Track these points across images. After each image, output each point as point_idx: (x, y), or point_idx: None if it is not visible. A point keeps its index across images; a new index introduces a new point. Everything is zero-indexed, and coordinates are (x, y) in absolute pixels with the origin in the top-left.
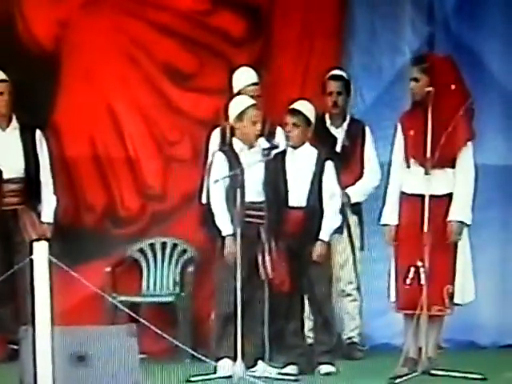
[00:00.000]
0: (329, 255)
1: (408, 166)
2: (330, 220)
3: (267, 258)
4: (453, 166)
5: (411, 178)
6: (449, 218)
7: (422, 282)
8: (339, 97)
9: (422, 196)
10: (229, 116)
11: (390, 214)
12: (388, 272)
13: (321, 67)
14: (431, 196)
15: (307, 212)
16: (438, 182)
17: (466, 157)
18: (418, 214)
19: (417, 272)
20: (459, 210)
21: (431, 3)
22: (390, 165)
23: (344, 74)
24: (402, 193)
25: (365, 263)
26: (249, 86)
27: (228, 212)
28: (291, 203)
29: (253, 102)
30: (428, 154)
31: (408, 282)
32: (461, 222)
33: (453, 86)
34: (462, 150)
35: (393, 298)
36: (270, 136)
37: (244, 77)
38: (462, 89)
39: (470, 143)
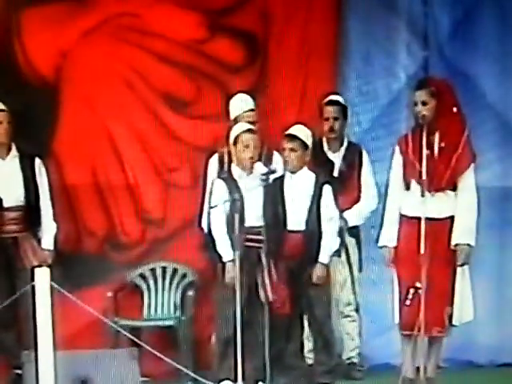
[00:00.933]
0: (328, 277)
1: (408, 188)
2: (329, 243)
3: (267, 281)
4: (454, 189)
5: (411, 201)
6: (456, 242)
7: (422, 303)
8: (336, 122)
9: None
10: (229, 142)
11: (388, 236)
12: (391, 293)
13: (317, 92)
14: (433, 219)
15: (306, 235)
16: (439, 205)
17: (469, 179)
18: (418, 236)
19: (416, 293)
20: (465, 233)
21: (426, 28)
22: (387, 186)
23: (340, 99)
24: (402, 215)
25: (363, 284)
26: (246, 112)
27: (228, 237)
28: (290, 227)
29: (247, 126)
30: (426, 177)
31: (407, 303)
32: (468, 245)
33: (454, 109)
34: (466, 172)
35: (397, 319)
36: (268, 161)
37: (240, 103)
38: (461, 112)
39: (472, 166)
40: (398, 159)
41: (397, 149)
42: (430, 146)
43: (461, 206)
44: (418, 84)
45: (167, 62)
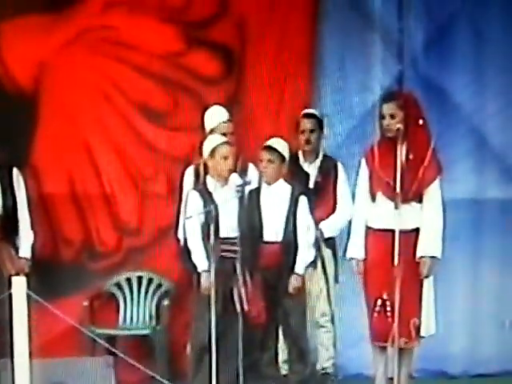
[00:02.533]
0: (303, 288)
1: (373, 200)
2: (305, 254)
3: (242, 291)
4: (419, 201)
5: (378, 213)
6: (421, 254)
7: (388, 314)
8: (312, 134)
9: (390, 230)
10: (202, 154)
11: (356, 248)
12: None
13: (294, 105)
14: (400, 231)
15: (282, 246)
16: (405, 217)
17: (434, 192)
18: (386, 248)
19: (383, 305)
20: (430, 245)
21: (401, 42)
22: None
23: (316, 113)
24: (368, 227)
25: (338, 295)
26: (221, 123)
27: (203, 248)
28: (266, 238)
29: (224, 139)
30: (398, 189)
31: (375, 314)
32: (433, 257)
33: (420, 122)
34: (431, 185)
35: (367, 330)
36: (243, 173)
37: (215, 115)
38: (427, 124)
39: (438, 178)
40: (364, 171)
41: (363, 161)
42: (394, 159)
43: (426, 219)
44: (386, 97)
45: (144, 73)
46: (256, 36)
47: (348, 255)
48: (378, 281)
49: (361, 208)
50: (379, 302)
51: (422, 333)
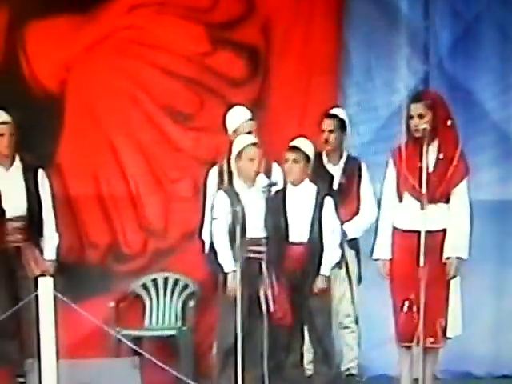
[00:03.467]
0: (329, 289)
1: (400, 201)
2: (331, 254)
3: (268, 292)
4: (447, 202)
5: (405, 213)
6: (447, 255)
7: (415, 315)
8: (331, 135)
9: (417, 231)
10: (230, 155)
11: (383, 249)
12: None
13: (318, 105)
14: (427, 231)
15: (308, 247)
16: (433, 218)
17: (462, 192)
18: (413, 248)
19: (410, 306)
20: (457, 246)
21: (427, 42)
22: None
23: (339, 113)
24: (394, 228)
25: (362, 296)
26: (243, 123)
27: (230, 249)
28: (292, 239)
29: (252, 140)
30: (424, 190)
31: (402, 315)
32: (459, 258)
33: (449, 122)
34: (459, 185)
35: (393, 331)
36: (268, 173)
37: (238, 115)
38: (455, 124)
39: (465, 179)
40: (391, 171)
41: (390, 161)
42: (420, 159)
43: (453, 219)
44: (414, 97)
45: (170, 74)
46: (281, 37)
47: (374, 256)
48: (405, 282)
49: (387, 208)
50: (406, 303)
51: (449, 334)
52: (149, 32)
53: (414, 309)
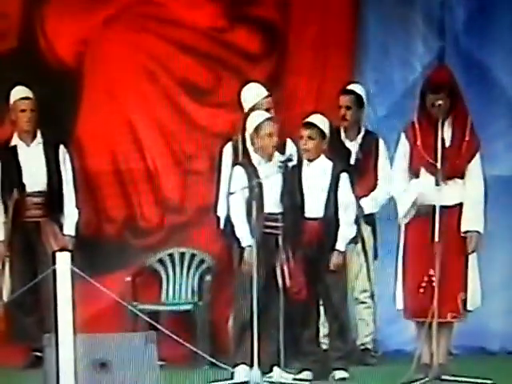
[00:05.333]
0: (344, 264)
1: (417, 176)
2: (346, 230)
3: (285, 267)
4: (462, 177)
5: (422, 189)
6: (466, 228)
7: (436, 289)
8: (348, 111)
9: (432, 206)
10: (245, 130)
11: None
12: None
13: (335, 82)
14: (443, 206)
15: (323, 222)
16: (448, 193)
17: (476, 167)
18: (429, 223)
19: (429, 281)
20: (474, 220)
21: (442, 19)
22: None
23: (356, 89)
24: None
25: (377, 271)
26: (262, 99)
27: (247, 223)
28: (308, 214)
29: (269, 115)
30: (439, 165)
31: (422, 290)
32: (477, 232)
33: (461, 98)
34: (472, 161)
35: (399, 305)
36: (282, 150)
37: (255, 92)
38: (465, 100)
39: (478, 154)
40: (403, 146)
41: (402, 136)
42: (435, 135)
43: (469, 194)
44: (430, 73)
45: (187, 50)
46: (298, 14)
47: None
48: (423, 257)
49: (400, 180)
50: (426, 278)
51: (469, 307)
52: (166, 7)
53: (432, 284)
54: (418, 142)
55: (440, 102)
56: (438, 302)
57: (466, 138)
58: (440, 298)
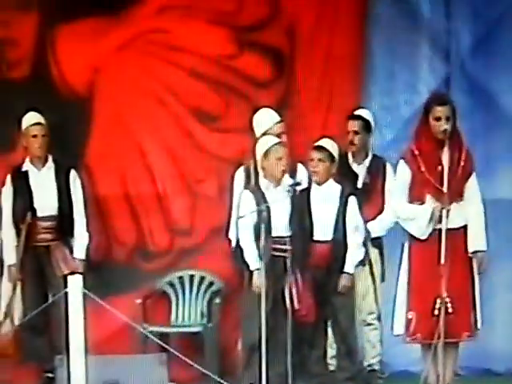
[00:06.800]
0: (352, 286)
1: (422, 203)
2: (354, 253)
3: (293, 289)
4: (461, 199)
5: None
6: (474, 249)
7: (449, 311)
8: (355, 136)
9: (438, 230)
10: (255, 155)
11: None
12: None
13: (342, 106)
14: (448, 229)
15: (332, 245)
16: (453, 216)
17: (474, 186)
18: (435, 246)
19: (442, 303)
20: (479, 240)
21: (448, 44)
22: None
23: (364, 114)
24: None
25: (384, 293)
26: (274, 125)
27: (256, 247)
28: (316, 237)
29: (277, 140)
30: (445, 189)
31: (436, 312)
32: (483, 251)
33: (458, 124)
34: (469, 181)
35: (399, 331)
36: (293, 173)
37: (267, 117)
38: (461, 126)
39: (474, 174)
40: (403, 172)
41: (401, 163)
42: (439, 159)
43: (471, 214)
44: (440, 100)
45: (197, 76)
46: (306, 39)
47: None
48: (432, 281)
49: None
50: (439, 300)
51: (479, 325)
52: (176, 34)
53: (449, 305)
54: (423, 168)
55: (446, 127)
56: (452, 323)
57: (462, 160)
58: (454, 319)
